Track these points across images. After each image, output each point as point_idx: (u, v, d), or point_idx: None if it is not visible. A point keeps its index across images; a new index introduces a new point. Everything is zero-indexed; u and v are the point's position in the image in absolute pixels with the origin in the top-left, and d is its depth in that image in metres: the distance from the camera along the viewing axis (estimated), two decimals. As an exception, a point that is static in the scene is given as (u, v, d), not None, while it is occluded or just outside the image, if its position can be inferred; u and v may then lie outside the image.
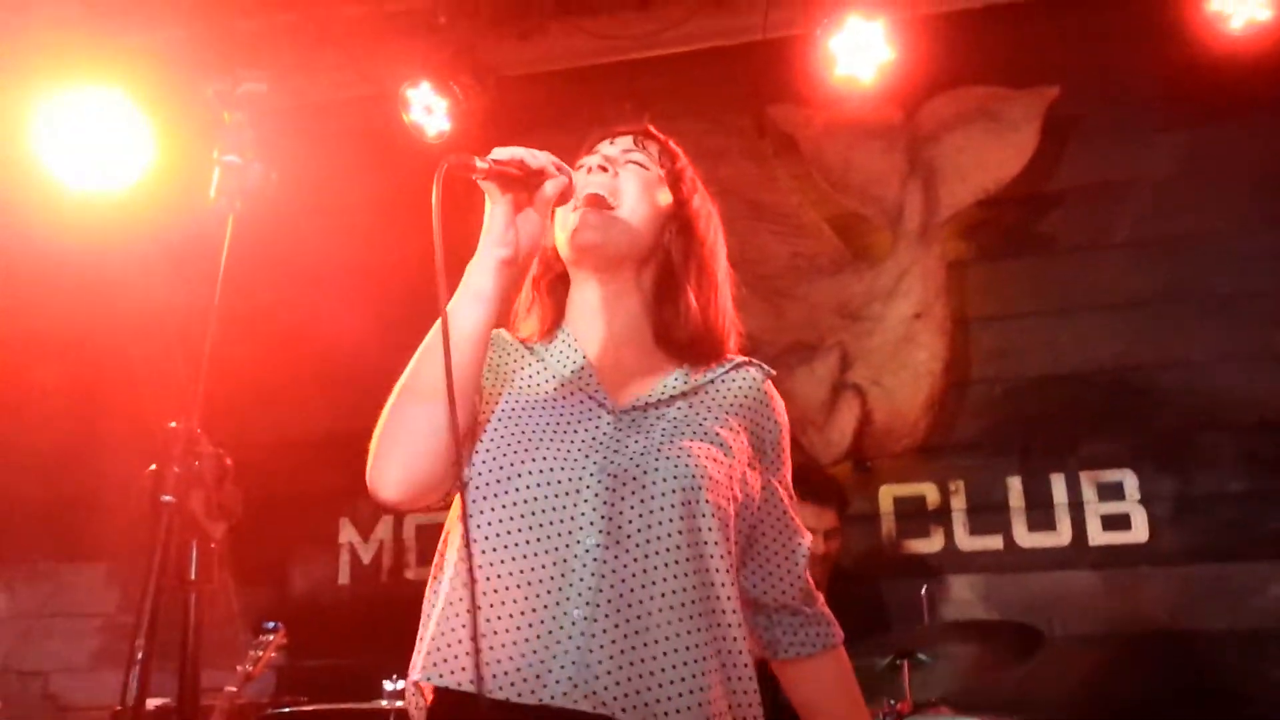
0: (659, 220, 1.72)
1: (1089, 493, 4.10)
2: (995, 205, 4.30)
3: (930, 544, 4.20)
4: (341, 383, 4.50)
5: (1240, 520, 3.95)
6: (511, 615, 1.47)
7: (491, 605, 1.48)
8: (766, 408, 1.73)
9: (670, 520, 1.51)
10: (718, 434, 1.63)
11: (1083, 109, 4.28)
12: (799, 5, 4.17)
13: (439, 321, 1.50)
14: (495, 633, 1.46)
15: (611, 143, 1.79)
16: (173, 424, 1.18)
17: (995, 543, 4.14)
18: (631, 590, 1.47)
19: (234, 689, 3.44)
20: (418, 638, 1.58)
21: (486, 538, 1.52)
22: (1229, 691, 3.75)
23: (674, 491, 1.52)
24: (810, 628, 1.78)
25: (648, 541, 1.50)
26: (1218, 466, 4.02)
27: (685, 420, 1.63)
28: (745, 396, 1.71)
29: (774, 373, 1.79)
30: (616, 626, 1.45)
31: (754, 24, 4.32)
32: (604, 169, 1.70)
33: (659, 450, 1.56)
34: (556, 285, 1.78)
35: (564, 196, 1.61)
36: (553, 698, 1.43)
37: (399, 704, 3.26)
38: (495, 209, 1.56)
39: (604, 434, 1.59)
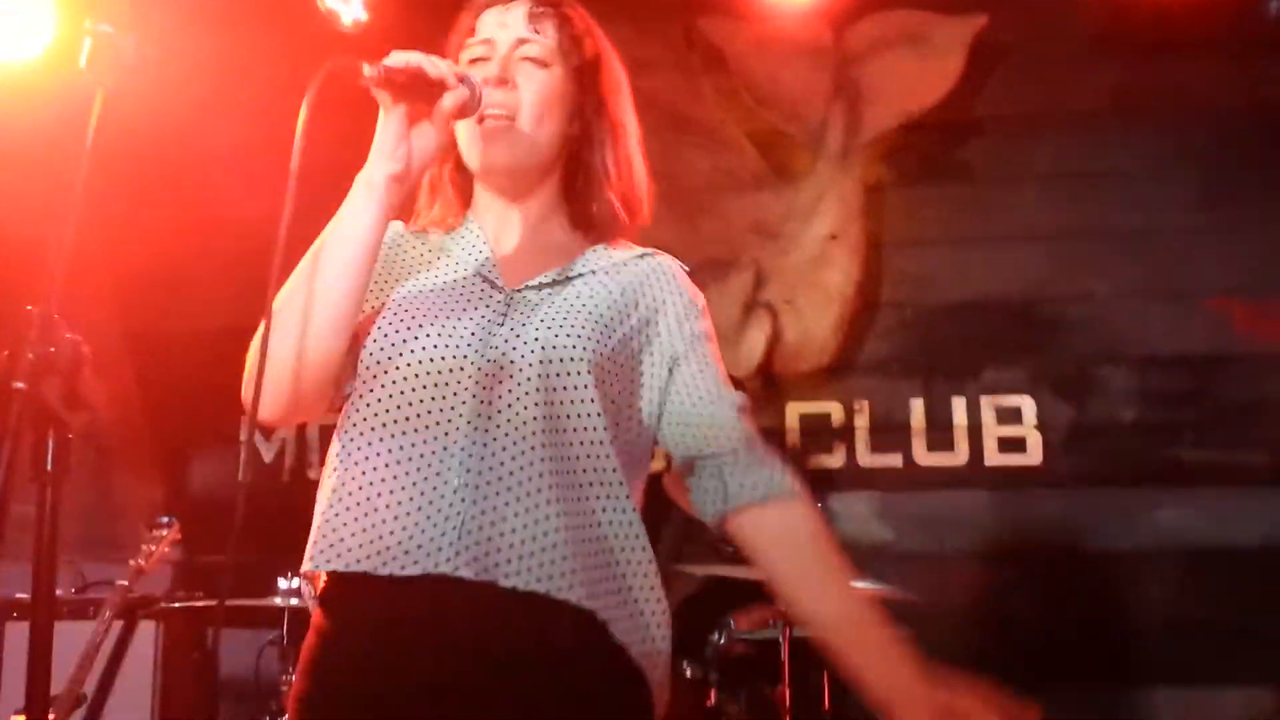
0: (564, 121, 1.66)
1: (988, 416, 4.20)
2: (917, 130, 4.30)
3: (832, 460, 4.28)
4: (247, 273, 4.40)
5: (1130, 448, 4.08)
6: (393, 492, 1.48)
7: (373, 484, 1.50)
8: (675, 286, 1.69)
9: (529, 394, 1.51)
10: (609, 310, 1.60)
11: (1010, 38, 4.28)
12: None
13: (319, 241, 1.51)
14: (377, 510, 1.48)
15: (501, 23, 1.67)
16: (29, 308, 1.15)
17: (895, 461, 4.24)
18: (501, 464, 1.48)
19: (125, 583, 3.42)
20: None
21: (367, 420, 1.53)
22: (1115, 608, 3.90)
23: (533, 365, 1.51)
24: (760, 469, 1.61)
25: (509, 421, 1.50)
26: (1111, 397, 4.13)
27: (576, 298, 1.60)
28: (649, 276, 1.68)
29: (687, 267, 1.75)
30: (490, 498, 1.46)
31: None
32: (503, 81, 1.62)
33: (534, 328, 1.55)
34: (460, 174, 1.72)
35: (464, 110, 1.53)
36: (436, 566, 1.44)
37: (294, 601, 3.26)
38: (386, 121, 1.50)
39: (493, 314, 1.57)
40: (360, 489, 1.51)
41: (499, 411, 1.50)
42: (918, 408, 4.24)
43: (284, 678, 3.25)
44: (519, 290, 1.61)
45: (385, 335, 1.56)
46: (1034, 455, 4.15)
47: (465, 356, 1.52)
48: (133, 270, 4.21)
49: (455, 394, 1.51)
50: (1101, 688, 3.82)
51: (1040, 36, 4.31)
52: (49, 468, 1.16)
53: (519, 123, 1.62)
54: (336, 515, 1.51)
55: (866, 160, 4.31)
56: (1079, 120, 4.30)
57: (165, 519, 3.55)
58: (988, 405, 4.20)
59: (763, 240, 4.33)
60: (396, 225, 1.70)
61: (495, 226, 1.69)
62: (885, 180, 4.37)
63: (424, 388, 1.52)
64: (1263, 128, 4.07)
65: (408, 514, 1.47)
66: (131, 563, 3.45)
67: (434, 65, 1.48)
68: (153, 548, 3.46)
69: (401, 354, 1.54)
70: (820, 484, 4.20)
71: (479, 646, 1.45)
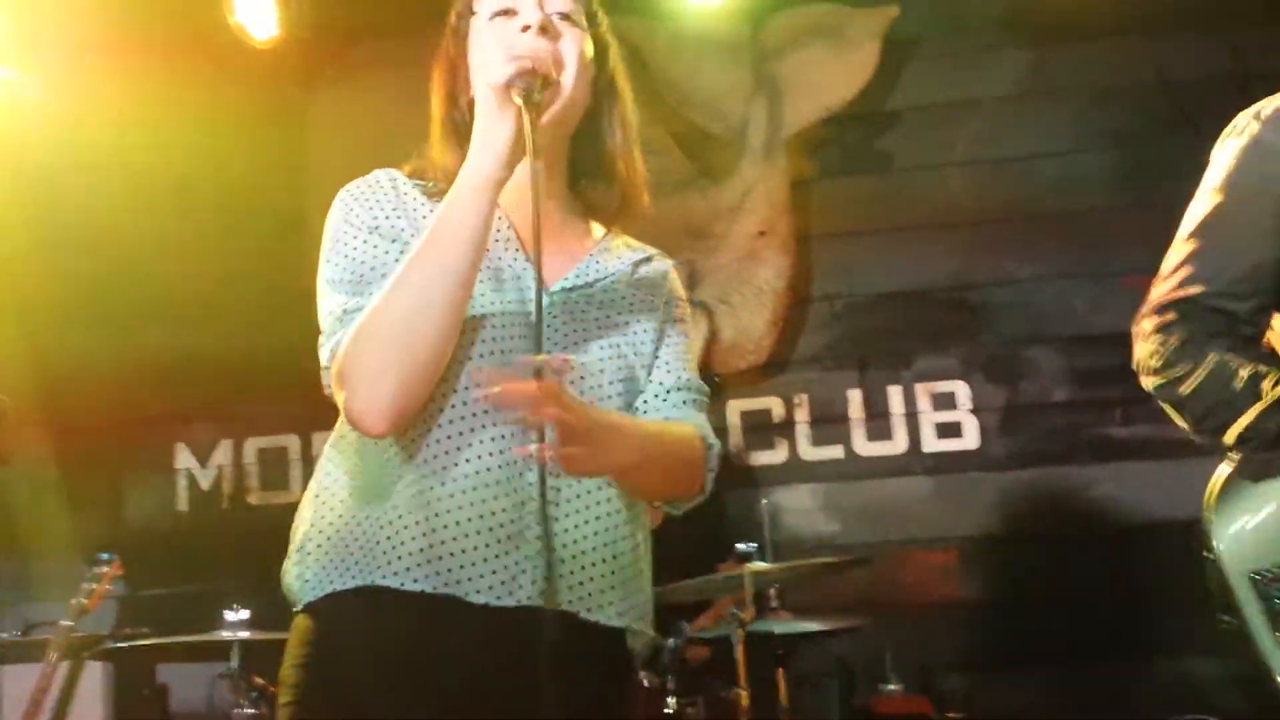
0: (590, 86, 1.61)
1: (923, 403, 4.26)
2: (837, 123, 4.36)
3: (775, 455, 4.32)
4: (176, 302, 4.35)
5: (1063, 428, 4.17)
6: (470, 519, 1.44)
7: (441, 499, 1.44)
8: (674, 300, 1.71)
9: (616, 408, 1.55)
10: (643, 331, 1.62)
11: (922, 28, 4.35)
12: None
13: (425, 244, 1.45)
14: (456, 538, 1.43)
15: None
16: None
17: (837, 452, 4.29)
18: (588, 491, 1.50)
19: (69, 623, 3.35)
20: (300, 547, 1.52)
21: (431, 432, 1.47)
22: (1056, 587, 3.97)
23: (616, 396, 1.55)
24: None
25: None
26: (1041, 378, 4.22)
27: (611, 317, 1.61)
28: (660, 285, 1.70)
29: (679, 265, 1.79)
30: (578, 526, 1.48)
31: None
32: (544, 30, 1.52)
33: (601, 351, 1.57)
34: (468, 125, 1.58)
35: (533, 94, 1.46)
36: (529, 598, 1.42)
37: (242, 635, 3.21)
38: (501, 120, 1.44)
39: (545, 326, 1.53)
40: (425, 501, 1.45)
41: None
42: (855, 398, 4.30)
43: (236, 710, 3.20)
44: (553, 292, 1.57)
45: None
46: (970, 439, 4.22)
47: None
48: (48, 309, 4.12)
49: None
50: (1052, 669, 3.89)
51: (951, 25, 4.39)
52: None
53: (559, 79, 1.53)
54: (397, 533, 1.44)
55: (790, 155, 4.35)
56: (994, 106, 4.38)
57: (105, 555, 3.48)
58: (923, 392, 4.27)
59: (693, 240, 4.35)
60: (393, 172, 1.63)
61: (508, 201, 1.59)
62: (809, 175, 4.41)
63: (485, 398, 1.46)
64: (1175, 105, 4.16)
65: (487, 545, 1.43)
66: (73, 601, 3.38)
67: (546, 64, 1.47)
68: (94, 585, 3.40)
69: (458, 362, 1.48)
70: (764, 479, 4.23)
71: (558, 678, 1.36)
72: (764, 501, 3.51)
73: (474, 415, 1.47)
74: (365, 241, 1.54)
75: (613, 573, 1.49)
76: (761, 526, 3.50)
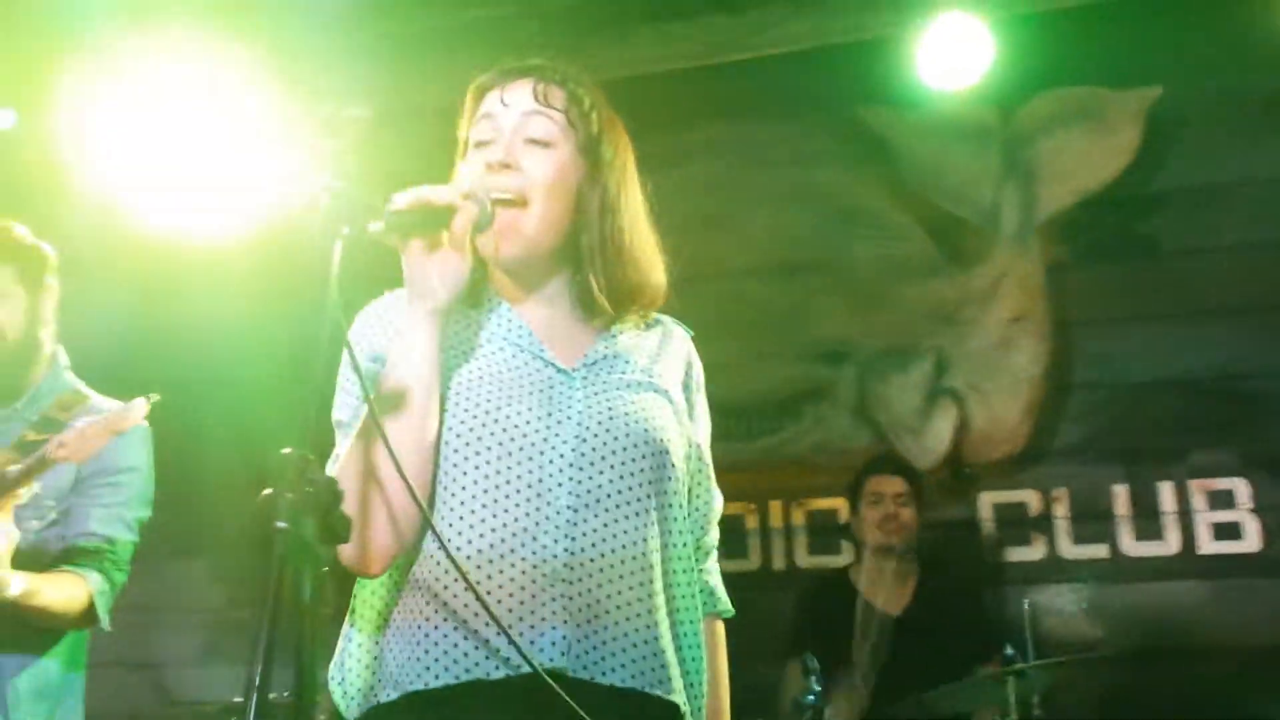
0: (572, 200, 1.62)
1: (1198, 501, 3.99)
2: (1096, 207, 4.21)
3: (1032, 552, 4.13)
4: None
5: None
6: (494, 577, 1.46)
7: (449, 591, 1.46)
8: (694, 364, 1.74)
9: (641, 485, 1.53)
10: (668, 390, 1.65)
11: (1186, 109, 4.17)
12: (892, 6, 4.11)
13: (380, 392, 1.48)
14: (462, 613, 1.45)
15: (504, 101, 1.62)
16: (285, 450, 1.20)
17: (1100, 551, 4.06)
18: (603, 555, 1.49)
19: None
20: (340, 662, 1.54)
21: (455, 510, 1.50)
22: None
23: (644, 457, 1.54)
24: (718, 578, 1.77)
25: (617, 507, 1.52)
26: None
27: (638, 380, 1.62)
28: (677, 351, 1.72)
29: (692, 333, 1.79)
30: (592, 590, 1.47)
31: (846, 25, 4.27)
32: (506, 165, 1.58)
33: (626, 412, 1.56)
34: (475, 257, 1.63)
35: (479, 225, 1.52)
36: (550, 660, 1.43)
37: None
38: (407, 261, 1.48)
39: (560, 393, 1.56)
40: (449, 585, 1.46)
41: (598, 500, 1.50)
42: (1121, 494, 4.07)
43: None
44: (575, 370, 1.60)
45: (456, 416, 1.52)
46: (1251, 541, 3.92)
47: (547, 441, 1.51)
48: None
49: (542, 479, 1.50)
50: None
51: (1218, 103, 4.18)
52: (306, 599, 1.20)
53: (528, 206, 1.57)
54: (431, 630, 1.47)
55: (1045, 240, 4.22)
56: (1265, 186, 4.12)
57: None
58: (1197, 489, 4.00)
59: (941, 326, 4.26)
60: (402, 294, 1.61)
61: (513, 295, 1.66)
62: (1066, 260, 4.26)
63: (514, 475, 1.50)
64: None
65: (509, 610, 1.44)
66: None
67: (437, 194, 1.47)
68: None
69: (481, 446, 1.51)
70: (1020, 578, 4.04)
71: None
72: (1027, 603, 3.34)
73: (482, 494, 1.49)
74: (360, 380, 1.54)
75: (626, 634, 1.48)
76: (1023, 628, 3.32)
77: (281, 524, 1.15)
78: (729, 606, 1.76)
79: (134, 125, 3.64)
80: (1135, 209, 4.23)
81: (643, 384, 1.62)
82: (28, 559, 2.21)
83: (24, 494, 2.18)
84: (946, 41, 3.91)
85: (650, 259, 1.69)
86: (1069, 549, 4.09)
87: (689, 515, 1.66)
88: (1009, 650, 2.87)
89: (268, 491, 1.17)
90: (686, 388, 1.71)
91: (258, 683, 1.08)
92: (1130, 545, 4.03)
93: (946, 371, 4.20)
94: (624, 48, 4.46)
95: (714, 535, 1.76)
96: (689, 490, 1.67)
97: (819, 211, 4.49)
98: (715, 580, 1.76)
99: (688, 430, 1.66)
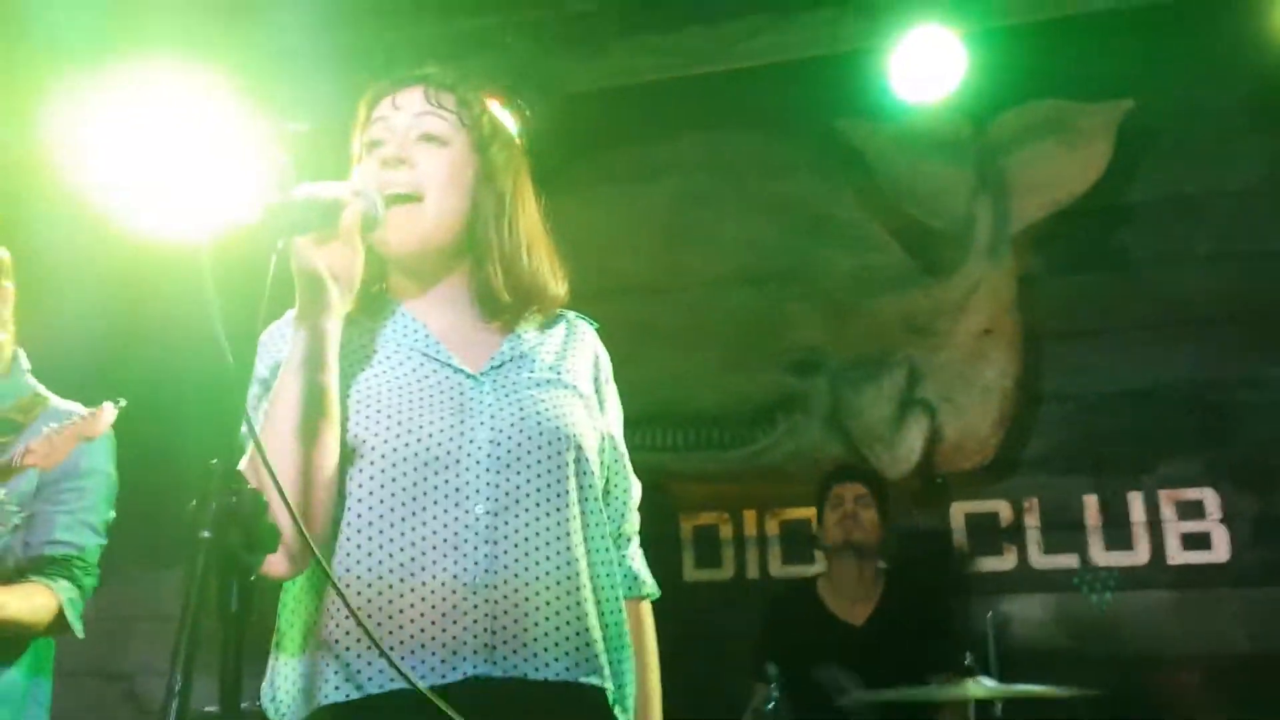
0: (468, 197, 1.63)
1: (1167, 511, 4.01)
2: (1068, 219, 4.22)
3: (1002, 562, 4.14)
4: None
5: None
6: (414, 591, 1.45)
7: (389, 589, 1.45)
8: (600, 356, 1.75)
9: (558, 481, 1.54)
10: (577, 385, 1.65)
11: (1157, 121, 4.19)
12: (866, 18, 4.14)
13: (273, 393, 1.47)
14: (387, 624, 1.44)
15: (396, 105, 1.63)
16: (213, 461, 1.21)
17: (1071, 561, 4.07)
18: (526, 554, 1.49)
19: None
20: (270, 679, 1.53)
21: (373, 524, 1.48)
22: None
23: (559, 454, 1.55)
24: (642, 561, 1.79)
25: (537, 505, 1.52)
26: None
27: (546, 378, 1.63)
28: (583, 345, 1.73)
29: (596, 324, 1.79)
30: (517, 591, 1.47)
31: (820, 38, 4.29)
32: (400, 160, 1.59)
33: (537, 411, 1.57)
34: (371, 258, 1.60)
35: (368, 221, 1.51)
36: (475, 668, 1.44)
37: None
38: (295, 260, 1.44)
39: (470, 398, 1.56)
40: (373, 599, 1.45)
41: (517, 501, 1.51)
42: (1091, 504, 4.08)
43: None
44: (483, 373, 1.59)
45: (366, 428, 1.51)
46: (1220, 551, 3.93)
47: (461, 448, 1.50)
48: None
49: (459, 487, 1.49)
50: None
51: (1190, 115, 4.20)
52: (234, 608, 1.21)
53: (422, 200, 1.58)
54: (351, 638, 1.46)
55: (1017, 252, 4.24)
56: (1238, 198, 4.14)
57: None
58: (1166, 499, 4.02)
59: (914, 337, 4.28)
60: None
61: (417, 310, 1.65)
62: (1038, 271, 4.28)
63: (427, 483, 1.49)
64: None
65: (432, 621, 1.44)
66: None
67: (324, 187, 1.45)
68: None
69: (394, 448, 1.49)
70: (990, 587, 4.06)
71: None
72: (990, 614, 3.35)
73: (400, 506, 1.49)
74: (254, 394, 1.57)
75: (556, 628, 1.50)
76: (986, 639, 3.33)
77: (205, 533, 1.16)
78: (654, 589, 1.78)
79: (106, 130, 3.64)
80: (1107, 220, 4.25)
81: (551, 381, 1.63)
82: None
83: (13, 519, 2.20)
84: (920, 54, 3.94)
85: (549, 266, 1.70)
86: (1039, 559, 4.11)
87: (607, 505, 1.68)
88: (967, 660, 2.87)
89: (193, 502, 1.18)
90: (595, 380, 1.72)
91: (177, 691, 1.08)
92: (1101, 555, 4.05)
93: (919, 382, 4.21)
94: (600, 59, 4.49)
95: (634, 521, 1.77)
96: (606, 481, 1.69)
97: (793, 222, 4.51)
98: (639, 564, 1.77)
99: (599, 423, 1.67)
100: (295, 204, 1.42)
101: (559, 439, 1.56)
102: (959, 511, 4.23)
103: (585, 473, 1.59)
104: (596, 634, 1.54)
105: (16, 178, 3.98)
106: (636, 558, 1.78)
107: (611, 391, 1.76)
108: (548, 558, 1.51)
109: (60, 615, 2.33)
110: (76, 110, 3.60)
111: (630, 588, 1.73)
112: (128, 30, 3.62)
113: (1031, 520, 4.14)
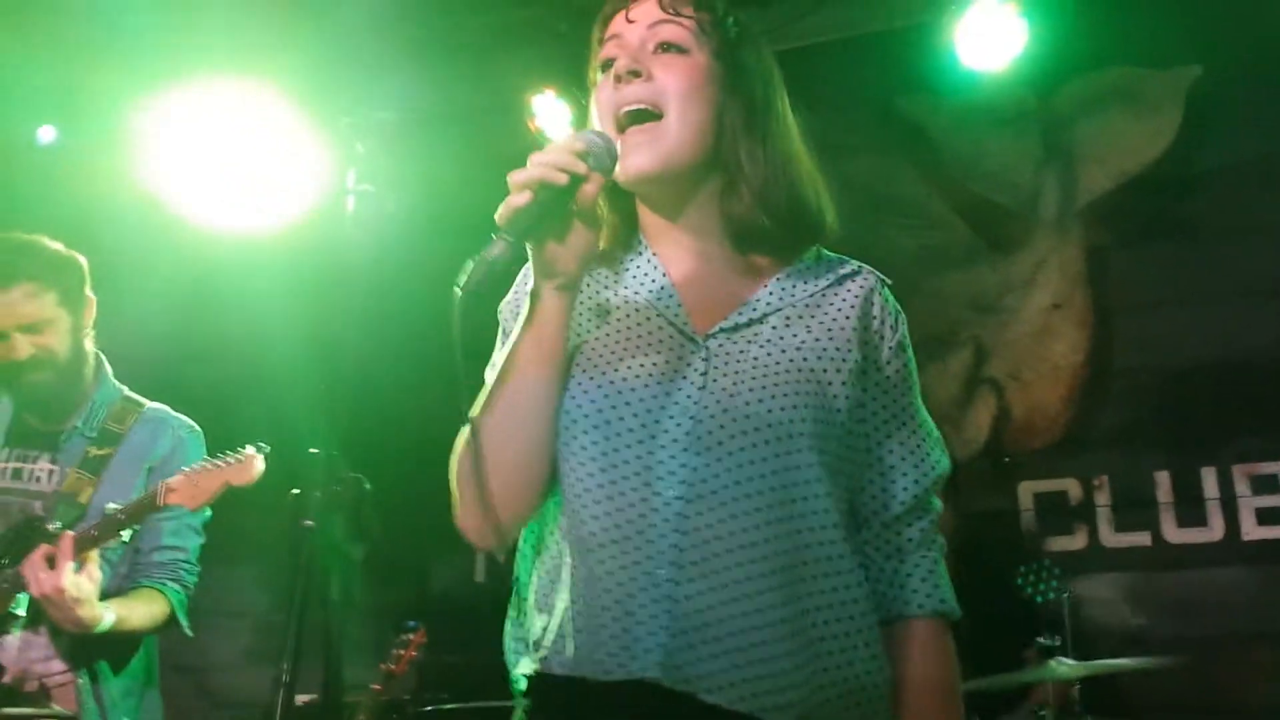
0: (714, 107, 1.46)
1: (1242, 486, 3.93)
2: (1136, 190, 4.15)
3: (1073, 541, 4.09)
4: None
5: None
6: (591, 583, 1.34)
7: (576, 574, 1.35)
8: (880, 323, 1.47)
9: (762, 476, 1.34)
10: (819, 364, 1.41)
11: (1227, 88, 4.09)
12: (924, -9, 4.08)
13: (504, 361, 1.39)
14: (581, 605, 1.33)
15: (630, 18, 1.48)
16: (313, 450, 1.22)
17: (1143, 539, 4.01)
18: (716, 554, 1.31)
19: (378, 686, 3.55)
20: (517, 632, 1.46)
21: (569, 501, 1.38)
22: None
23: (766, 443, 1.35)
24: (934, 578, 1.45)
25: (734, 499, 1.33)
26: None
27: (781, 347, 1.41)
28: (852, 310, 1.47)
29: (889, 281, 1.53)
30: (701, 594, 1.30)
31: (877, 14, 4.24)
32: (635, 73, 1.43)
33: (750, 390, 1.37)
34: (617, 192, 1.49)
35: (607, 173, 1.37)
36: (642, 670, 1.29)
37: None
38: (534, 255, 1.36)
39: (687, 368, 1.40)
40: (561, 580, 1.37)
41: (714, 492, 1.33)
42: (1164, 481, 4.02)
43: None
44: (711, 336, 1.42)
45: (573, 397, 1.40)
46: (1298, 526, 3.86)
47: (660, 423, 1.36)
48: (373, 393, 4.42)
49: (651, 466, 1.35)
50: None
51: (1258, 82, 4.10)
52: (334, 596, 1.22)
53: (663, 116, 1.43)
54: (539, 613, 1.39)
55: (1085, 224, 4.18)
56: (1311, 163, 4.05)
57: (412, 624, 3.67)
58: (1241, 475, 3.94)
59: (981, 315, 4.23)
60: None
61: (662, 244, 1.51)
62: (1107, 243, 4.21)
63: (622, 460, 1.36)
64: None
65: (605, 608, 1.32)
66: (382, 666, 3.58)
67: (552, 170, 1.31)
68: (402, 651, 3.59)
69: (595, 419, 1.38)
70: (1061, 567, 4.01)
71: None
72: (1066, 594, 3.30)
73: (587, 477, 1.37)
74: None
75: (740, 650, 1.29)
76: (1062, 618, 3.29)
77: (308, 522, 1.18)
78: (940, 604, 1.44)
79: (173, 131, 3.69)
80: (1176, 190, 4.17)
81: (781, 358, 1.41)
82: (104, 577, 2.31)
83: (126, 535, 2.32)
84: (981, 25, 3.88)
85: (815, 189, 1.50)
86: (1110, 537, 4.05)
87: (864, 499, 1.45)
88: (1042, 639, 2.84)
89: (295, 491, 1.20)
90: (865, 348, 1.45)
91: (285, 680, 1.10)
92: (1173, 532, 3.99)
93: (986, 360, 4.17)
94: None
95: (916, 519, 1.48)
96: (864, 471, 1.45)
97: (855, 202, 4.44)
98: (931, 580, 1.46)
99: (842, 404, 1.41)
100: (531, 210, 1.30)
101: (768, 426, 1.36)
102: (1027, 491, 4.17)
103: (800, 466, 1.36)
104: (789, 659, 1.32)
105: (86, 183, 4.04)
106: (912, 565, 1.47)
107: (899, 365, 1.48)
108: (740, 564, 1.32)
109: (172, 615, 2.45)
110: (147, 114, 3.65)
111: (898, 600, 1.45)
112: (192, 32, 3.66)
113: (1102, 498, 4.08)
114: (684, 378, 1.39)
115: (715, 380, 1.39)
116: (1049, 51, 3.93)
